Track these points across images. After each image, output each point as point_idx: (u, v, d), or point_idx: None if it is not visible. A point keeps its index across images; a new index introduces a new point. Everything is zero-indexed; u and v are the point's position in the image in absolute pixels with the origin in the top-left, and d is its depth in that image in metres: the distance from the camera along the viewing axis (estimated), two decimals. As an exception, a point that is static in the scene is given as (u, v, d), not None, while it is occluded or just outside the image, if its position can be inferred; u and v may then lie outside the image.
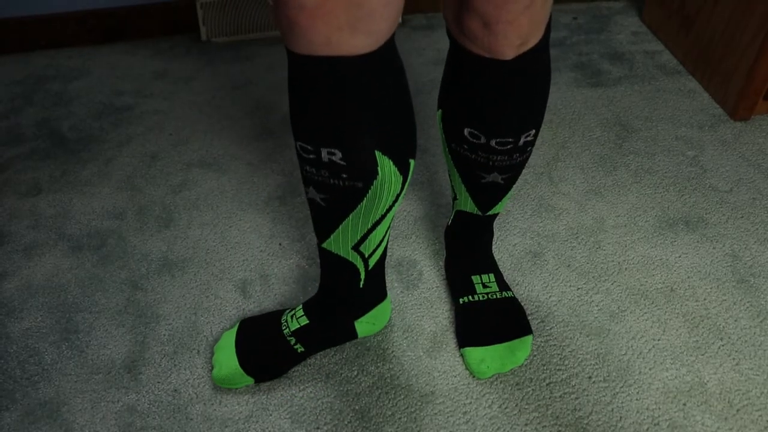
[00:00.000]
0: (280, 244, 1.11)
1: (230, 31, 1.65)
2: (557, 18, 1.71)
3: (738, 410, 0.87)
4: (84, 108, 1.44)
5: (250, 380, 0.90)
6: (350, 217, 0.74)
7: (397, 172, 0.70)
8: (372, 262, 0.84)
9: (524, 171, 1.24)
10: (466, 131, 0.79)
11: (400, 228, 1.14)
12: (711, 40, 1.38)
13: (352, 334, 0.93)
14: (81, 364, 0.95)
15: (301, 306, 0.92)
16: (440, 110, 0.83)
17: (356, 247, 0.80)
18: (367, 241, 0.79)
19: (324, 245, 0.80)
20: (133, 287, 1.05)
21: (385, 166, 0.68)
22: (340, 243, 0.79)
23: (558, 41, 1.62)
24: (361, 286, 0.87)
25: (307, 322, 0.90)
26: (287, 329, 0.91)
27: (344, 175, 0.68)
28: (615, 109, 1.39)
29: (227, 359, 0.90)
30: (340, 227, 0.76)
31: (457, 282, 0.99)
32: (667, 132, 1.33)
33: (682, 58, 1.51)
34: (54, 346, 0.97)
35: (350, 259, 0.82)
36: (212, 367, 0.93)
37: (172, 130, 1.37)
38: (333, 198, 0.71)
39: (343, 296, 0.88)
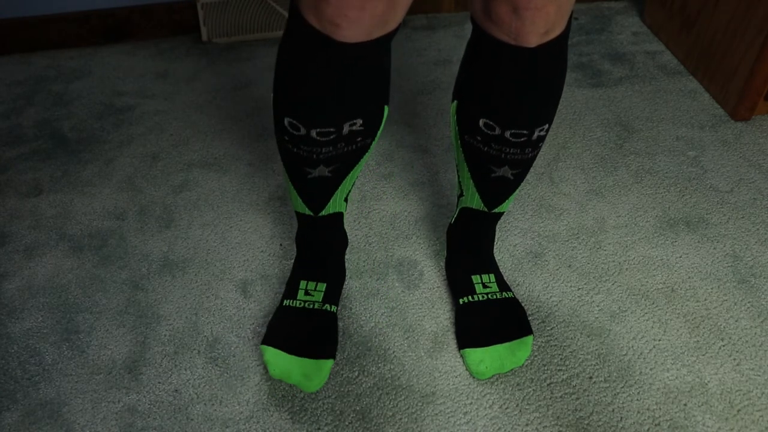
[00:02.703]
0: (281, 245, 1.12)
1: (231, 32, 1.65)
2: (558, 18, 1.71)
3: (739, 410, 0.87)
4: (85, 108, 1.44)
5: (328, 362, 0.91)
6: (354, 170, 0.82)
7: (387, 113, 0.80)
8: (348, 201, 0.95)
9: (525, 171, 1.24)
10: (481, 122, 0.79)
11: (401, 228, 1.14)
12: (712, 40, 1.38)
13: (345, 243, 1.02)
14: (82, 365, 0.95)
15: (302, 282, 0.97)
16: (455, 101, 0.83)
17: (347, 197, 0.89)
18: (352, 187, 0.88)
19: (322, 213, 0.88)
20: (133, 287, 1.05)
21: (386, 113, 0.78)
22: (337, 201, 0.87)
23: (559, 41, 1.62)
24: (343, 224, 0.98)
25: (325, 284, 0.97)
26: (317, 303, 0.95)
27: (359, 138, 0.77)
28: (616, 110, 1.39)
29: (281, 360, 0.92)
30: (341, 186, 0.83)
31: (457, 282, 1.00)
32: (667, 132, 1.33)
33: (682, 58, 1.51)
34: (55, 346, 0.97)
35: (341, 210, 0.91)
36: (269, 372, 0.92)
37: (173, 131, 1.37)
38: (343, 163, 0.79)
39: (332, 243, 0.97)
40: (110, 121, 1.40)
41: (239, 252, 1.10)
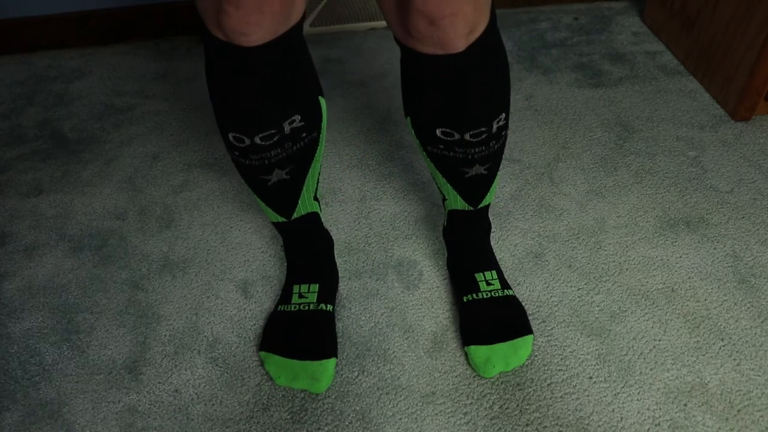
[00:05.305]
0: (281, 245, 1.12)
1: (231, 32, 1.65)
2: (558, 18, 1.71)
3: (739, 411, 0.87)
4: (85, 108, 1.44)
5: (330, 360, 0.91)
6: (311, 167, 0.85)
7: (324, 104, 0.83)
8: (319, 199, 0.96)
9: (525, 171, 1.24)
10: (438, 131, 0.79)
11: (400, 228, 1.14)
12: (712, 40, 1.38)
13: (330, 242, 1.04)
14: (82, 365, 0.95)
15: (295, 287, 0.98)
16: (408, 117, 0.82)
17: (315, 196, 0.91)
18: (318, 184, 0.90)
19: (295, 216, 0.89)
20: (134, 287, 1.05)
21: (323, 104, 0.81)
22: (306, 201, 0.89)
23: (559, 42, 1.62)
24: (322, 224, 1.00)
25: (318, 284, 0.97)
26: (312, 305, 0.95)
27: (304, 134, 0.79)
28: (616, 110, 1.39)
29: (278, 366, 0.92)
30: (305, 185, 0.85)
31: (460, 280, 1.00)
32: (668, 132, 1.33)
33: (683, 58, 1.51)
34: (55, 346, 0.97)
35: (314, 210, 0.93)
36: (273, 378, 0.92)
37: (173, 131, 1.37)
38: (297, 161, 0.81)
39: (315, 243, 0.97)
40: (110, 121, 1.40)
41: (239, 252, 1.11)
